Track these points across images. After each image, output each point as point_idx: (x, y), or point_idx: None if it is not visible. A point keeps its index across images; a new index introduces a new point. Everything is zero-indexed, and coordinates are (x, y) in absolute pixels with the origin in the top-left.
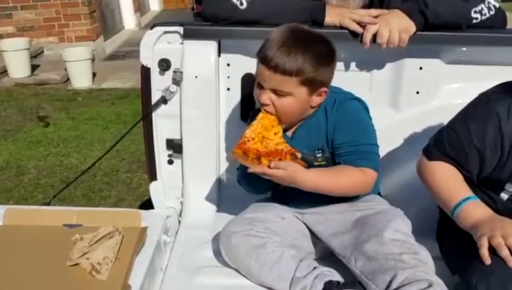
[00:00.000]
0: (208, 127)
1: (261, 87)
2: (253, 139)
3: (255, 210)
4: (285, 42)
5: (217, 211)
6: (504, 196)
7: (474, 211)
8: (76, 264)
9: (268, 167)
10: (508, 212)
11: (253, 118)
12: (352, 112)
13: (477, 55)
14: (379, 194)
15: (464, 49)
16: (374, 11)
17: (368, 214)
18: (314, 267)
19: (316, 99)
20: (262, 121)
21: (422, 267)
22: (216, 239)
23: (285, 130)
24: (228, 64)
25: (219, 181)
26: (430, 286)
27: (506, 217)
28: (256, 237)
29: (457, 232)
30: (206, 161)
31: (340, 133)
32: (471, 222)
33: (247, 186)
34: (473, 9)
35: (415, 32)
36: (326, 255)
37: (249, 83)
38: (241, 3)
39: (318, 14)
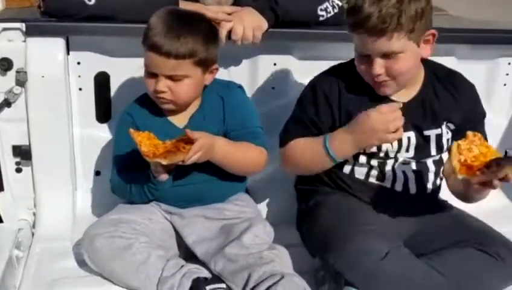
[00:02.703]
0: (59, 131)
1: (153, 76)
2: (151, 152)
3: (120, 211)
4: (171, 26)
5: (74, 219)
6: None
7: (336, 133)
8: None
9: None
10: (353, 183)
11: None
12: (243, 98)
13: (324, 51)
14: (247, 191)
15: (312, 45)
16: (228, 8)
17: (235, 223)
18: (182, 266)
19: (209, 78)
20: (140, 138)
21: (278, 262)
22: (75, 249)
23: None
24: (79, 63)
25: (75, 188)
26: (282, 277)
27: None
28: (122, 239)
29: (313, 220)
30: (59, 166)
31: (234, 117)
32: (344, 133)
33: (129, 193)
34: (319, 7)
35: (267, 29)
36: (192, 256)
37: (103, 82)
38: None
39: None
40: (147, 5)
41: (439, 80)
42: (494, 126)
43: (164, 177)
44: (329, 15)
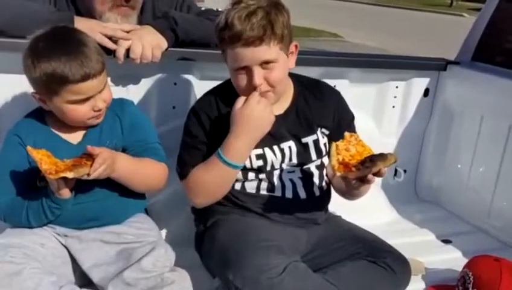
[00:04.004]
0: None
1: (85, 100)
2: (53, 169)
3: (9, 235)
4: (76, 52)
5: None
6: None
7: (226, 142)
8: None
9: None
10: (245, 197)
11: None
12: (140, 115)
13: (224, 71)
14: (146, 211)
15: (213, 65)
16: (126, 26)
17: (135, 247)
18: None
19: None
20: (40, 156)
21: (179, 284)
22: None
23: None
24: None
25: None
26: None
27: None
28: (11, 264)
29: (211, 240)
30: None
31: (133, 134)
32: (235, 138)
33: (26, 217)
34: None
35: (167, 48)
36: (89, 282)
37: None
38: None
39: None
40: (39, 22)
41: (307, 88)
42: (383, 145)
43: (67, 193)
44: None
